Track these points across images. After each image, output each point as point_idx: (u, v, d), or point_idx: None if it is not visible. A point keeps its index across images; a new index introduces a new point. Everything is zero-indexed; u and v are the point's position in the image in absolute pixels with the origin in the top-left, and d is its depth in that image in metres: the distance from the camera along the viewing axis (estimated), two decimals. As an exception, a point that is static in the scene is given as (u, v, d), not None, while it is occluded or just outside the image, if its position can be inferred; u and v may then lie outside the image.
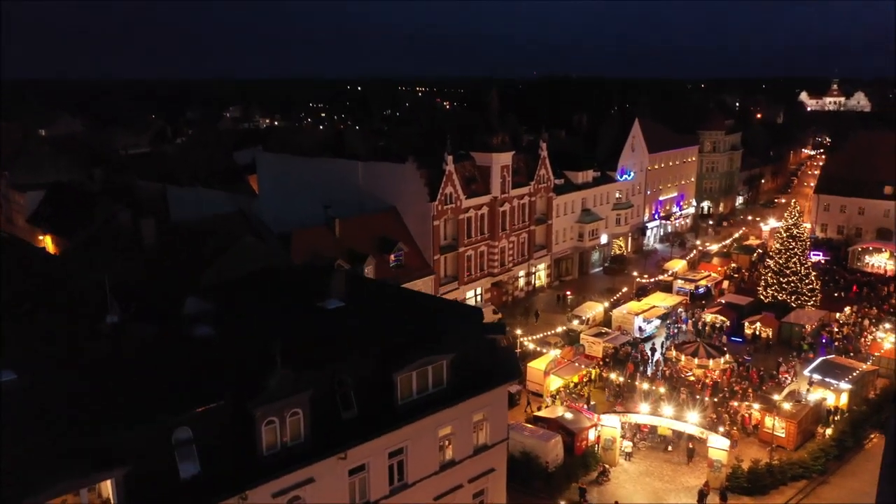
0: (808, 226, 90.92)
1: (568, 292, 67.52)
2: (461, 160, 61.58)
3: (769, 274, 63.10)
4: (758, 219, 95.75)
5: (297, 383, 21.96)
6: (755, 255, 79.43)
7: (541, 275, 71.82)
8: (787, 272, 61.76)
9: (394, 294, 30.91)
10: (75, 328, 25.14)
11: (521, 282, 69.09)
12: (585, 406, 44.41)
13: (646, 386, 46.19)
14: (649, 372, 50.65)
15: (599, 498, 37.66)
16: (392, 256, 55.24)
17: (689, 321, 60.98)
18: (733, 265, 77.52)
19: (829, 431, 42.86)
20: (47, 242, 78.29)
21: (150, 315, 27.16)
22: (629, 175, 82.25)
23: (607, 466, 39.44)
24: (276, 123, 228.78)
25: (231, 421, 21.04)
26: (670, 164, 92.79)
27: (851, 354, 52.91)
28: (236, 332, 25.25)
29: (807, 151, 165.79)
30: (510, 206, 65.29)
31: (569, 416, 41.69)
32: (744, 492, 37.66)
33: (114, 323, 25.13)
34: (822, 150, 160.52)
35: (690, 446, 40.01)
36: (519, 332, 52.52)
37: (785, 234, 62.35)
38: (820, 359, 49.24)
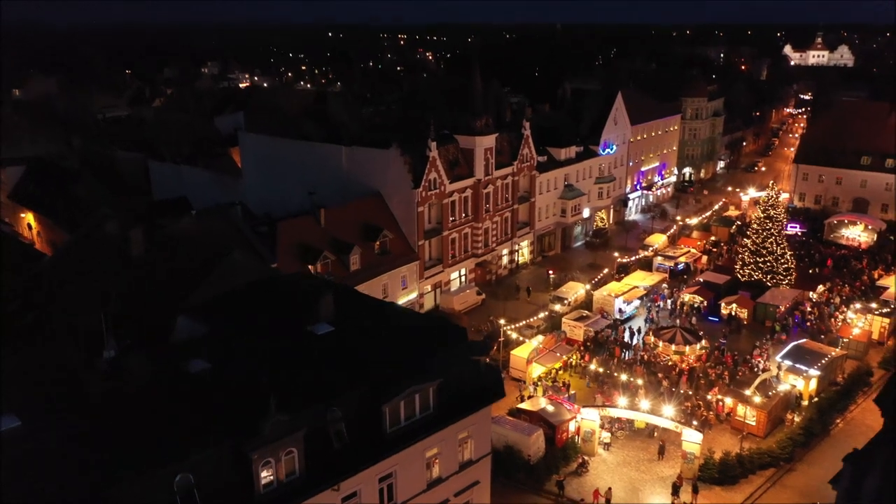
0: (787, 195, 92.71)
1: (551, 272, 68.78)
2: (445, 143, 61.84)
3: (746, 253, 64.64)
4: (737, 190, 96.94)
5: (292, 424, 23.06)
6: (734, 227, 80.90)
7: (524, 251, 72.96)
8: (764, 252, 63.31)
9: (380, 312, 31.83)
10: (74, 364, 25.92)
11: (505, 260, 70.22)
12: (566, 397, 46.09)
13: (624, 377, 47.85)
14: (628, 357, 52.37)
15: (579, 488, 39.61)
16: (377, 244, 55.96)
17: (668, 301, 62.66)
18: (712, 238, 79.04)
19: (797, 418, 44.98)
20: (30, 219, 78.19)
21: (145, 343, 28.01)
22: (612, 149, 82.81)
23: (586, 458, 41.31)
24: (255, 78, 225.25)
25: (229, 463, 22.16)
26: (652, 134, 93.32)
27: (823, 337, 54.89)
28: (230, 365, 26.14)
29: (789, 110, 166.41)
30: (493, 188, 65.91)
31: (550, 408, 43.35)
32: (715, 482, 39.76)
33: (111, 358, 25.95)
34: (803, 109, 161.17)
35: (662, 442, 41.83)
36: (502, 321, 53.84)
37: (763, 215, 63.66)
38: (791, 344, 51.09)
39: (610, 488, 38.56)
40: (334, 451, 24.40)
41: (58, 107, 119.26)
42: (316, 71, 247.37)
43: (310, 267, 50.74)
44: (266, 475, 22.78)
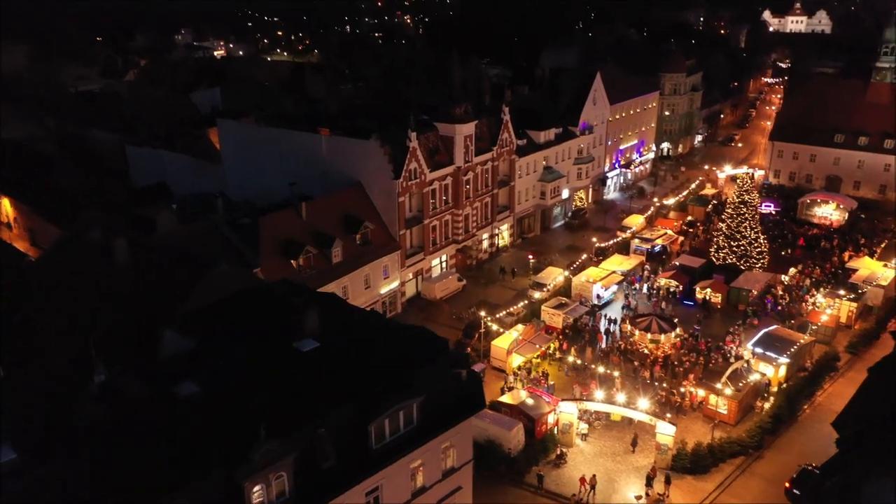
0: (762, 172, 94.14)
1: (531, 256, 69.78)
2: (424, 131, 62.05)
3: (721, 237, 66.04)
4: (714, 168, 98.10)
5: (282, 450, 23.97)
6: (710, 206, 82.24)
7: (504, 234, 73.82)
8: (738, 237, 64.72)
9: (363, 324, 32.60)
10: (65, 390, 26.52)
11: (485, 244, 71.09)
12: (545, 388, 47.48)
13: (601, 369, 49.29)
14: (604, 345, 53.83)
15: (557, 479, 41.21)
16: (358, 235, 56.49)
17: (645, 285, 64.10)
18: (689, 218, 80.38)
19: (766, 405, 46.80)
20: (5, 205, 77.46)
21: (133, 363, 28.64)
22: (590, 129, 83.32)
23: (564, 450, 42.85)
24: (230, 46, 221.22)
25: (221, 490, 23.08)
26: (631, 112, 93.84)
27: (793, 322, 56.66)
28: (219, 388, 26.86)
29: (766, 79, 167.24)
30: (473, 174, 66.40)
31: (530, 401, 44.72)
32: (687, 471, 41.55)
33: (101, 382, 26.58)
34: (780, 79, 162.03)
35: (636, 433, 43.42)
36: (483, 313, 54.93)
37: (737, 200, 64.90)
38: (762, 332, 52.72)
39: (594, 475, 40.21)
40: (322, 470, 25.40)
41: (29, 81, 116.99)
42: (292, 37, 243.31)
43: (292, 262, 51.27)
44: (257, 499, 23.75)
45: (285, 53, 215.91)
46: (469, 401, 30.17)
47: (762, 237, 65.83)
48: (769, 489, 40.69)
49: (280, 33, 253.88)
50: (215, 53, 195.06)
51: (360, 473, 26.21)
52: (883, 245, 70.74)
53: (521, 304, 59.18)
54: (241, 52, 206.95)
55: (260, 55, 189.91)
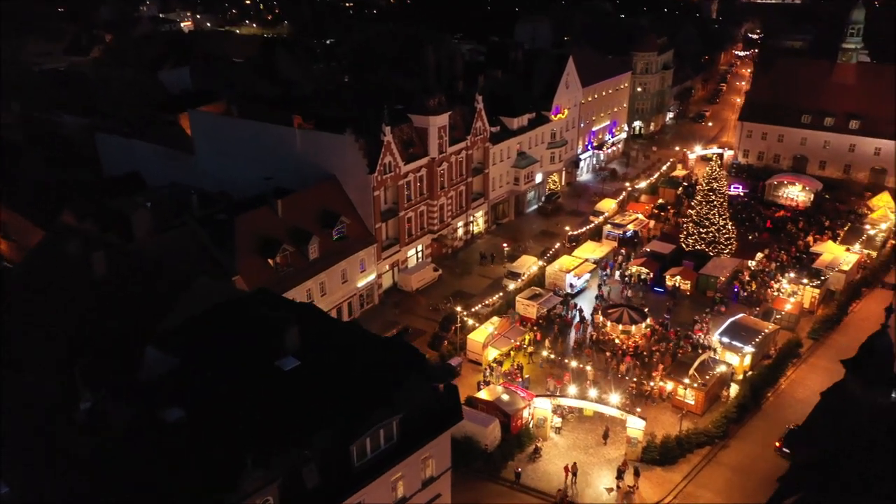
0: (731, 152, 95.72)
1: (505, 244, 70.75)
2: (398, 123, 62.22)
3: (690, 224, 67.54)
4: (684, 148, 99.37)
5: (267, 476, 24.89)
6: (680, 188, 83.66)
7: (479, 221, 74.63)
8: (707, 223, 66.25)
9: (342, 338, 33.38)
10: (52, 418, 27.07)
11: (460, 231, 71.89)
12: (520, 383, 48.89)
13: (574, 364, 50.75)
14: (577, 335, 55.35)
15: (533, 474, 42.79)
16: (334, 231, 56.92)
17: (616, 272, 65.60)
18: (660, 201, 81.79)
19: (732, 394, 48.71)
20: (-26, 196, 76.22)
21: (117, 386, 29.19)
22: (563, 114, 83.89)
23: (539, 445, 44.39)
24: (198, 16, 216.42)
25: (210, 517, 23.99)
26: (604, 94, 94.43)
27: (758, 310, 58.53)
28: (205, 412, 27.57)
29: (737, 52, 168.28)
30: (448, 164, 66.86)
31: (505, 397, 46.08)
32: (656, 463, 43.38)
33: (87, 409, 27.16)
34: (751, 52, 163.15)
35: (606, 428, 45.07)
36: (459, 308, 56.02)
37: (706, 187, 66.26)
38: (729, 321, 54.47)
39: (575, 462, 41.86)
40: (306, 491, 26.40)
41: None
42: (261, 6, 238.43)
43: (269, 261, 51.67)
44: (245, 523, 24.73)
45: (254, 25, 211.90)
46: (447, 413, 31.26)
47: (730, 223, 67.44)
48: (734, 478, 42.69)
49: (248, 2, 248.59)
50: (182, 26, 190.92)
51: (343, 492, 27.26)
52: (846, 228, 72.86)
53: (497, 295, 60.29)
54: (208, 24, 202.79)
55: (228, 28, 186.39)
